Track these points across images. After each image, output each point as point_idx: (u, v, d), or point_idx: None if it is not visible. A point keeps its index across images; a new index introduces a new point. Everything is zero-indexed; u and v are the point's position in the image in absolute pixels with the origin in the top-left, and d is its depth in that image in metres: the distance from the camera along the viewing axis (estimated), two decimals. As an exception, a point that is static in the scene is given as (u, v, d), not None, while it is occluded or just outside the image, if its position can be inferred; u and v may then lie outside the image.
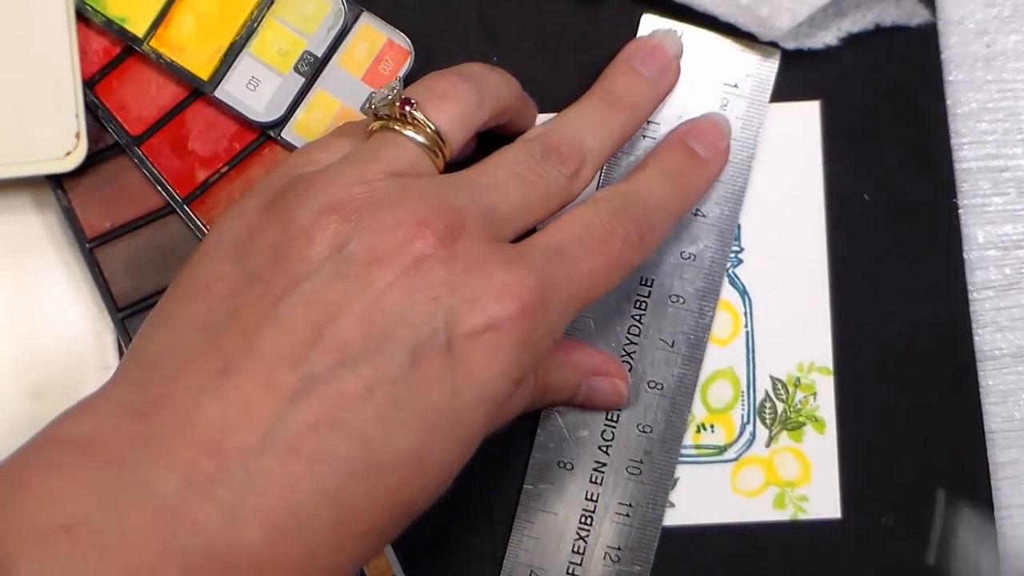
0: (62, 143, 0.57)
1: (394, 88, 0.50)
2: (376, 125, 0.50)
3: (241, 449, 0.41)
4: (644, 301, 0.59)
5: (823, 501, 0.58)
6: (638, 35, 0.59)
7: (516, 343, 0.45)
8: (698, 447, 0.59)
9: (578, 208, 0.51)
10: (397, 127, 0.49)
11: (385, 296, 0.44)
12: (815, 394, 0.58)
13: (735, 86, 0.59)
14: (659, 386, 0.58)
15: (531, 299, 0.46)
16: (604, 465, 0.58)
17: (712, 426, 0.59)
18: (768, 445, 0.58)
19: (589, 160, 0.52)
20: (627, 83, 0.56)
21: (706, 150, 0.56)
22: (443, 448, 0.45)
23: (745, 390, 0.59)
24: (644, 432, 0.58)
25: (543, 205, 0.50)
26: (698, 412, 0.59)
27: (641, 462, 0.58)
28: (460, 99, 0.50)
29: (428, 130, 0.49)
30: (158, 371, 0.44)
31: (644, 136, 0.59)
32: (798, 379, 0.58)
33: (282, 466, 0.42)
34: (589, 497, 0.58)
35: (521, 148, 0.51)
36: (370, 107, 0.50)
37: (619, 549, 0.57)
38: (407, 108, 0.49)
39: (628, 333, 0.58)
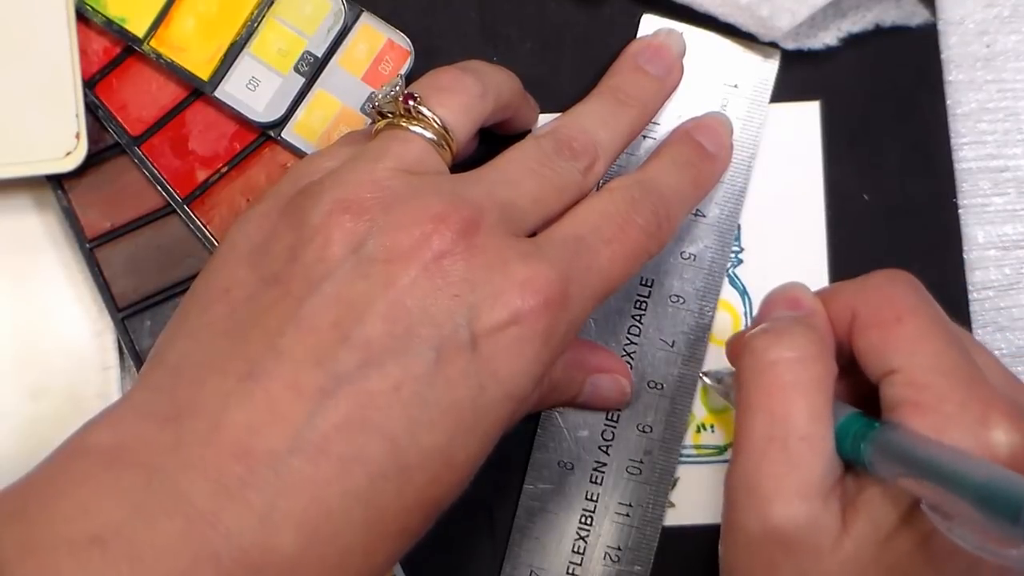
0: (62, 143, 0.57)
1: (396, 85, 0.50)
2: (381, 123, 0.50)
3: (270, 452, 0.42)
4: (644, 301, 0.59)
5: (823, 501, 0.58)
6: (639, 35, 0.59)
7: (539, 337, 0.45)
8: (698, 447, 0.58)
9: (593, 198, 0.51)
10: (403, 123, 0.49)
11: (407, 294, 0.44)
12: (815, 394, 0.58)
13: (735, 86, 0.59)
14: (659, 386, 0.58)
15: (552, 292, 0.46)
16: (604, 465, 0.58)
17: (712, 426, 0.59)
18: (768, 445, 0.58)
19: (601, 155, 0.52)
20: (635, 81, 0.56)
21: (712, 145, 0.57)
22: (468, 445, 0.45)
23: (745, 390, 0.58)
24: (644, 432, 0.58)
25: (558, 198, 0.50)
26: (698, 412, 0.59)
27: (641, 462, 0.58)
28: (463, 91, 0.50)
29: (434, 124, 0.49)
30: (182, 377, 0.44)
31: (645, 137, 0.59)
32: (798, 379, 0.58)
33: (313, 468, 0.42)
34: (589, 497, 0.58)
35: (533, 144, 0.51)
36: (373, 106, 0.50)
37: (619, 549, 0.57)
38: (411, 103, 0.49)
39: (628, 333, 0.58)
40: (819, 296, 0.52)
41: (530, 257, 0.46)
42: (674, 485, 0.58)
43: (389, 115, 0.50)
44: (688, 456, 0.58)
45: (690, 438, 0.59)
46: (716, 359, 0.59)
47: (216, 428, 0.42)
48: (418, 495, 0.44)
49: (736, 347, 0.51)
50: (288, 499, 0.41)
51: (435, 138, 0.49)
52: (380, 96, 0.50)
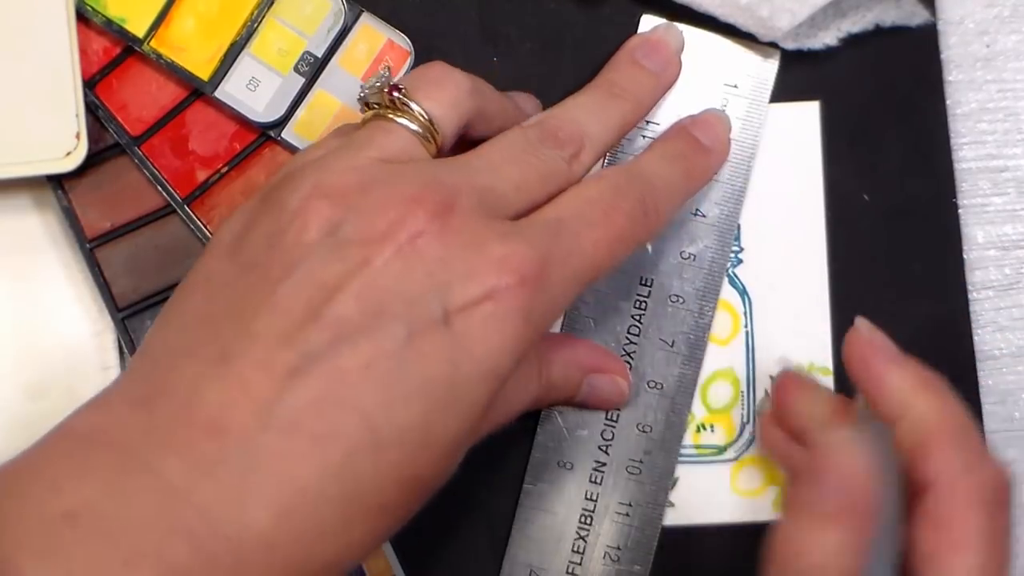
0: (62, 143, 0.57)
1: (383, 76, 0.50)
2: (368, 114, 0.50)
3: (243, 429, 0.42)
4: (644, 301, 0.58)
5: (823, 501, 0.58)
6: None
7: (515, 315, 0.45)
8: (698, 447, 0.58)
9: (579, 184, 0.50)
10: (389, 115, 0.49)
11: (381, 274, 0.44)
12: (815, 394, 0.58)
13: (735, 86, 0.59)
14: (659, 386, 0.58)
15: (529, 271, 0.45)
16: (604, 465, 0.58)
17: (712, 426, 0.59)
18: (768, 445, 0.58)
19: (588, 146, 0.51)
20: (630, 75, 0.56)
21: (708, 139, 0.56)
22: (446, 423, 0.44)
23: (745, 390, 0.59)
24: (644, 432, 0.58)
25: (541, 186, 0.50)
26: (698, 412, 0.59)
27: (641, 462, 0.58)
28: (452, 86, 0.51)
29: (420, 118, 0.49)
30: (159, 363, 0.45)
31: (643, 136, 0.59)
32: (798, 379, 0.58)
33: (284, 444, 0.42)
34: (589, 497, 0.58)
35: (519, 132, 0.51)
36: (360, 97, 0.51)
37: (619, 549, 0.57)
38: (396, 94, 0.49)
39: (628, 333, 0.58)
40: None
41: (508, 237, 0.46)
42: (674, 485, 0.58)
43: (376, 106, 0.50)
44: (688, 456, 0.58)
45: (690, 438, 0.58)
46: (714, 359, 0.59)
47: (189, 408, 0.42)
48: (396, 472, 0.44)
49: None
50: (260, 476, 0.41)
51: (420, 131, 0.49)
52: (367, 87, 0.50)
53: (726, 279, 0.59)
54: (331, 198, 0.46)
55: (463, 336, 0.44)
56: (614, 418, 0.58)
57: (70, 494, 0.40)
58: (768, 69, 0.60)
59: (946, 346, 0.58)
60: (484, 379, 0.45)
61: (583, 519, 0.58)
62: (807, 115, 0.60)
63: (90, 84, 0.59)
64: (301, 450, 0.42)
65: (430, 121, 0.49)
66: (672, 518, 0.58)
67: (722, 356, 0.59)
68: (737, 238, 0.59)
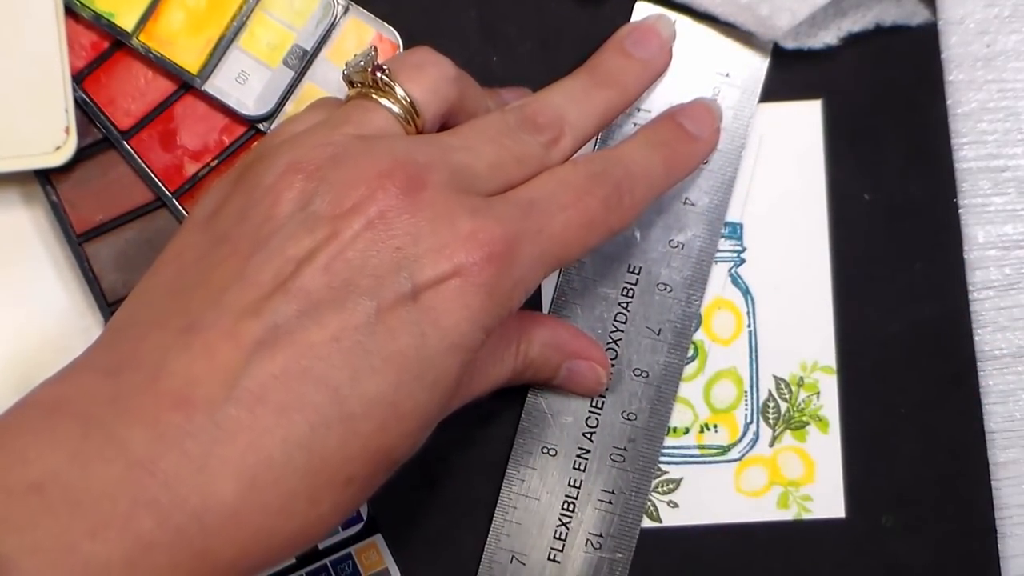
0: (51, 138, 0.57)
1: (369, 56, 0.50)
2: (352, 93, 0.50)
3: (208, 400, 0.42)
4: (631, 288, 0.59)
5: (827, 501, 0.58)
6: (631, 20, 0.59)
7: (482, 290, 0.45)
8: (701, 447, 0.58)
9: (556, 167, 0.51)
10: (372, 95, 0.49)
11: (349, 247, 0.45)
12: (818, 393, 0.59)
13: (727, 75, 0.60)
14: (644, 374, 0.58)
15: (497, 247, 0.46)
16: (588, 452, 0.58)
17: (715, 426, 0.59)
18: (772, 445, 0.58)
19: (568, 132, 0.52)
20: (617, 62, 0.56)
21: (695, 127, 0.57)
22: (415, 395, 0.45)
23: (748, 390, 0.59)
24: (628, 420, 0.58)
25: (517, 168, 0.50)
26: (701, 412, 0.59)
27: (625, 449, 0.58)
28: (435, 71, 0.51)
29: (402, 100, 0.49)
30: (128, 334, 0.45)
31: (633, 123, 0.59)
32: (801, 378, 0.59)
33: (250, 416, 0.42)
34: (572, 483, 0.58)
35: (497, 116, 0.51)
36: (345, 75, 0.51)
37: (601, 536, 0.58)
38: (378, 74, 0.49)
39: (615, 320, 0.59)
40: None
41: (477, 213, 0.46)
42: (677, 485, 0.58)
43: (359, 85, 0.50)
44: (691, 456, 0.58)
45: (693, 438, 0.59)
46: (717, 358, 0.59)
47: (155, 379, 0.42)
48: (364, 444, 0.44)
49: None
50: (226, 447, 0.42)
51: (401, 113, 0.49)
52: (351, 64, 0.50)
53: (729, 279, 0.59)
54: (304, 172, 0.46)
55: (430, 310, 0.45)
56: (599, 405, 0.58)
57: (37, 465, 0.40)
58: (760, 59, 0.60)
59: (946, 346, 0.59)
60: (451, 352, 0.45)
61: (566, 506, 0.58)
62: (809, 114, 0.60)
63: (78, 79, 0.58)
64: (267, 421, 0.42)
65: (412, 104, 0.49)
66: (675, 518, 0.58)
67: (725, 356, 0.59)
68: (740, 237, 0.59)
